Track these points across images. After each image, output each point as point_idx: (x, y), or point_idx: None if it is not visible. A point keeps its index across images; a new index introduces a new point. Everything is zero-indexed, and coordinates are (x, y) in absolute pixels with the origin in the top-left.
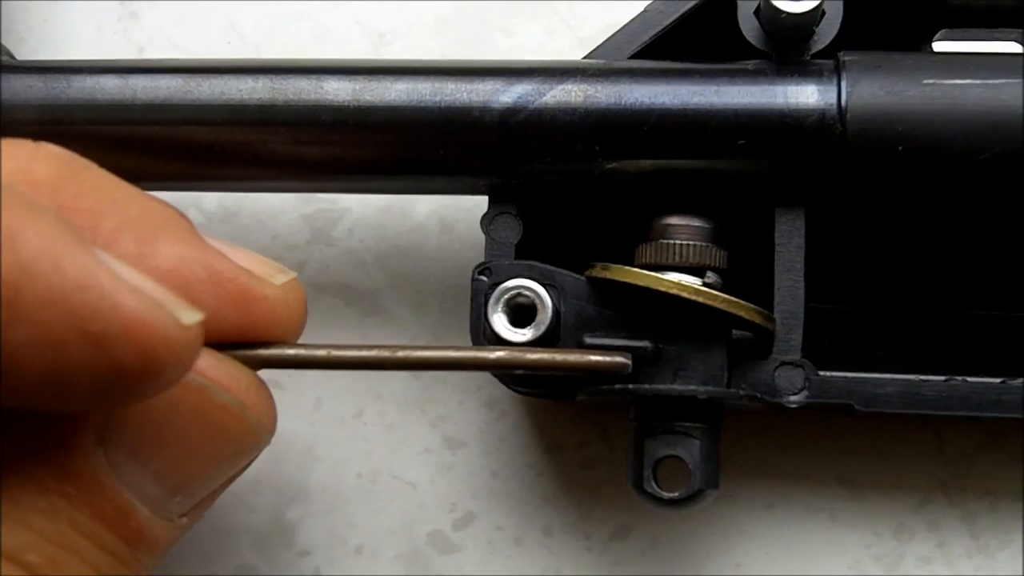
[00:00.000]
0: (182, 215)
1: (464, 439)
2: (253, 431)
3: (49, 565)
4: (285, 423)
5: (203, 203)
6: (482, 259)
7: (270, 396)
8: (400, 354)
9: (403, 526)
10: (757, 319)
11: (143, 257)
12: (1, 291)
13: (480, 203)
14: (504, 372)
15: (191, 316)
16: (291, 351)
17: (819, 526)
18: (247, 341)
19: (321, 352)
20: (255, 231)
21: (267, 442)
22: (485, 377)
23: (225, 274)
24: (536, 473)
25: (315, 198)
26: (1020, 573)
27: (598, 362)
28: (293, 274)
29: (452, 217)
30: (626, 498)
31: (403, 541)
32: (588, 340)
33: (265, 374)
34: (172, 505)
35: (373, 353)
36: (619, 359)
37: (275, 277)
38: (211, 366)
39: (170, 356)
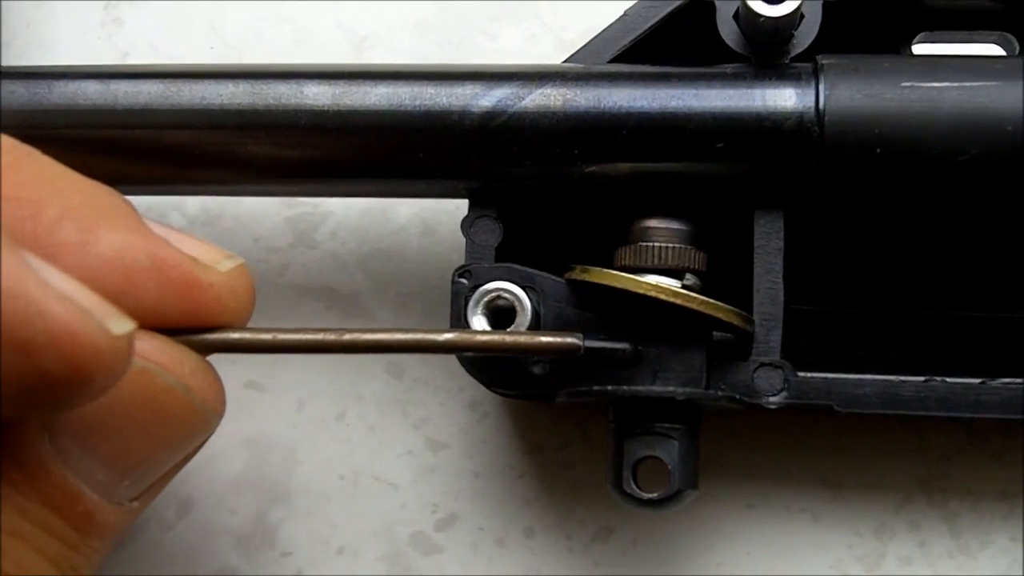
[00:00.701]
0: (127, 202)
1: (446, 441)
2: (200, 413)
3: None
4: (267, 425)
5: (185, 207)
6: (463, 262)
7: (217, 379)
8: (347, 337)
9: (385, 527)
10: (735, 321)
11: (85, 245)
12: None
13: (461, 206)
14: (454, 354)
15: (121, 326)
16: (236, 335)
17: (800, 526)
18: (193, 328)
19: (267, 336)
20: (237, 234)
21: (215, 424)
22: (467, 379)
23: (168, 261)
24: (518, 474)
25: (297, 201)
26: (1001, 573)
27: (548, 343)
28: (240, 260)
29: (434, 220)
30: (607, 499)
31: (385, 542)
32: None
33: (248, 377)
34: (121, 489)
35: (319, 336)
36: (570, 340)
37: (221, 264)
38: (155, 349)
39: (98, 365)
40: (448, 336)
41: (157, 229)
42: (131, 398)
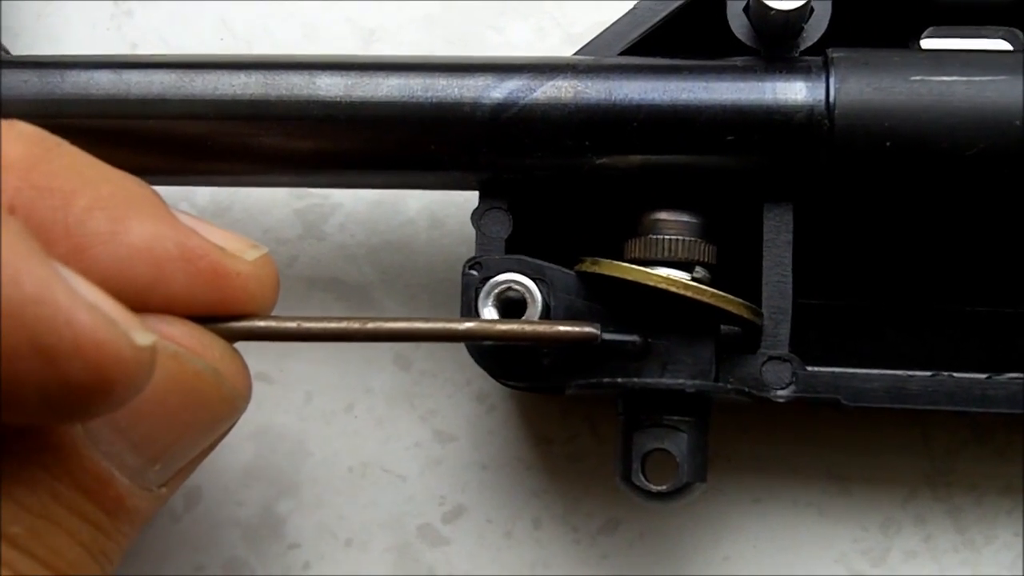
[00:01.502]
0: (155, 192)
1: (454, 433)
2: (229, 398)
3: (31, 536)
4: (275, 417)
5: (195, 197)
6: (472, 254)
7: (244, 365)
8: (370, 325)
9: (393, 519)
10: (745, 313)
11: (115, 235)
12: None
13: (470, 198)
14: (473, 343)
15: (145, 337)
16: (262, 323)
17: (806, 520)
18: (220, 315)
19: (291, 324)
20: (247, 225)
21: (242, 410)
22: (475, 371)
23: (197, 251)
24: (525, 466)
25: (307, 193)
26: (1005, 568)
27: (567, 332)
28: (264, 249)
29: (443, 212)
30: (615, 491)
31: (393, 534)
32: None
33: (257, 368)
34: (151, 474)
35: (343, 325)
36: (588, 329)
37: (247, 253)
38: (185, 334)
39: (121, 375)
40: (469, 325)
41: (185, 219)
42: (162, 383)
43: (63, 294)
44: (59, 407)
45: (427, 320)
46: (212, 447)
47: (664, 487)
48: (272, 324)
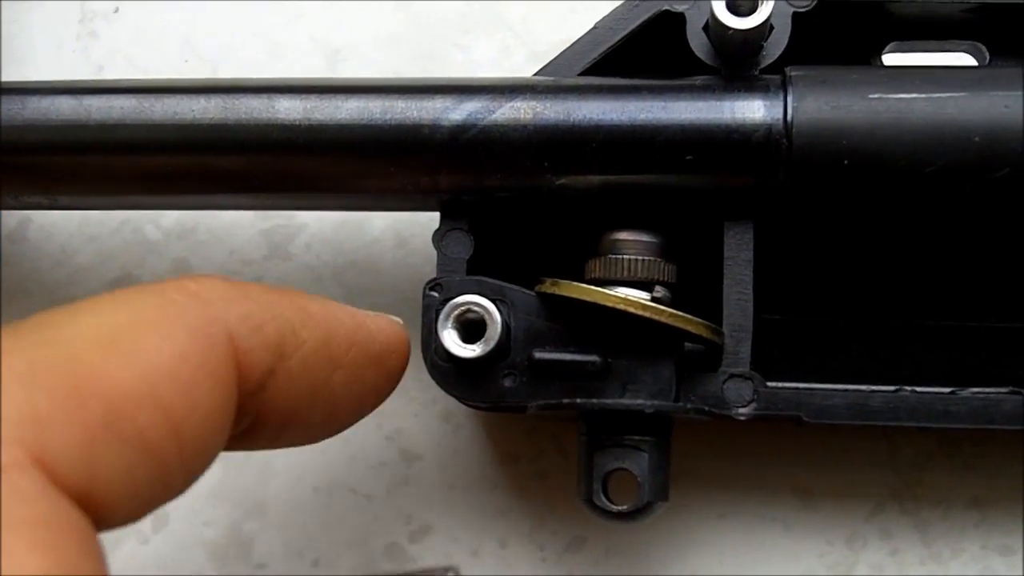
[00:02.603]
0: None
1: (420, 452)
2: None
3: None
4: None
5: (160, 220)
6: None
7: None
8: None
9: (360, 539)
10: (704, 333)
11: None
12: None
13: (435, 218)
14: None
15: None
16: None
17: (772, 535)
18: None
19: None
20: (212, 247)
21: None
22: (440, 391)
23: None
24: (491, 485)
25: (272, 214)
26: None
27: None
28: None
29: (408, 232)
30: (580, 509)
31: (360, 554)
32: (537, 355)
33: None
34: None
35: None
36: None
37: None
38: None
39: (407, 351)
40: None
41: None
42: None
43: (362, 318)
44: (385, 394)
45: None
46: None
47: (625, 507)
48: None
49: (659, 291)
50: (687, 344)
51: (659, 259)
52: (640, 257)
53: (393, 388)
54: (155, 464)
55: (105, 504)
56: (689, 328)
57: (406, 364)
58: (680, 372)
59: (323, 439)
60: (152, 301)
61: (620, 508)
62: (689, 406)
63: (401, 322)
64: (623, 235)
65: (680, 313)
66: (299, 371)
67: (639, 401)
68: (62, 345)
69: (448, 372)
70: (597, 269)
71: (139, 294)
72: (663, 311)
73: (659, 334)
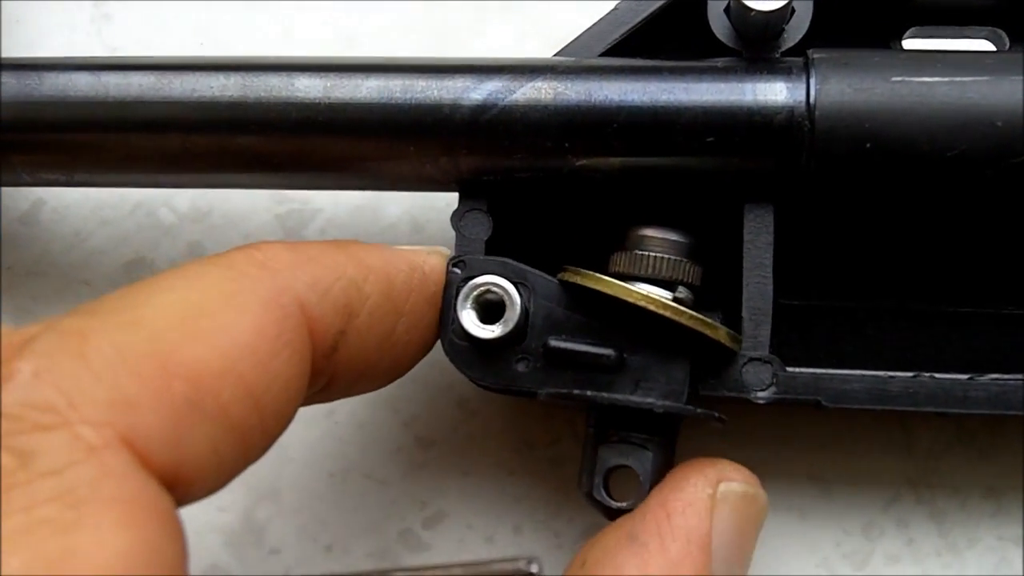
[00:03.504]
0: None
1: (435, 438)
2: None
3: None
4: None
5: (174, 203)
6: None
7: None
8: None
9: (374, 525)
10: (723, 339)
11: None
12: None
13: (451, 203)
14: None
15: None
16: None
17: (788, 524)
18: None
19: None
20: (227, 231)
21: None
22: (457, 376)
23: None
24: (507, 472)
25: (287, 198)
26: (988, 571)
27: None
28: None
29: (423, 217)
30: None
31: (374, 540)
32: (553, 342)
33: None
34: None
35: None
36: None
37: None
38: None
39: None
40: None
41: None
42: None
43: (416, 257)
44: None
45: None
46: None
47: (624, 504)
48: None
49: (682, 291)
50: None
51: (685, 259)
52: (666, 256)
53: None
54: (238, 438)
55: (190, 480)
56: (708, 332)
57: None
58: (694, 374)
59: (392, 382)
60: (225, 275)
61: (619, 505)
62: (699, 410)
63: (448, 252)
64: (651, 232)
65: (700, 316)
66: (367, 327)
67: (649, 400)
68: (145, 327)
69: (464, 351)
70: (622, 263)
71: (212, 268)
72: (684, 312)
73: (677, 335)
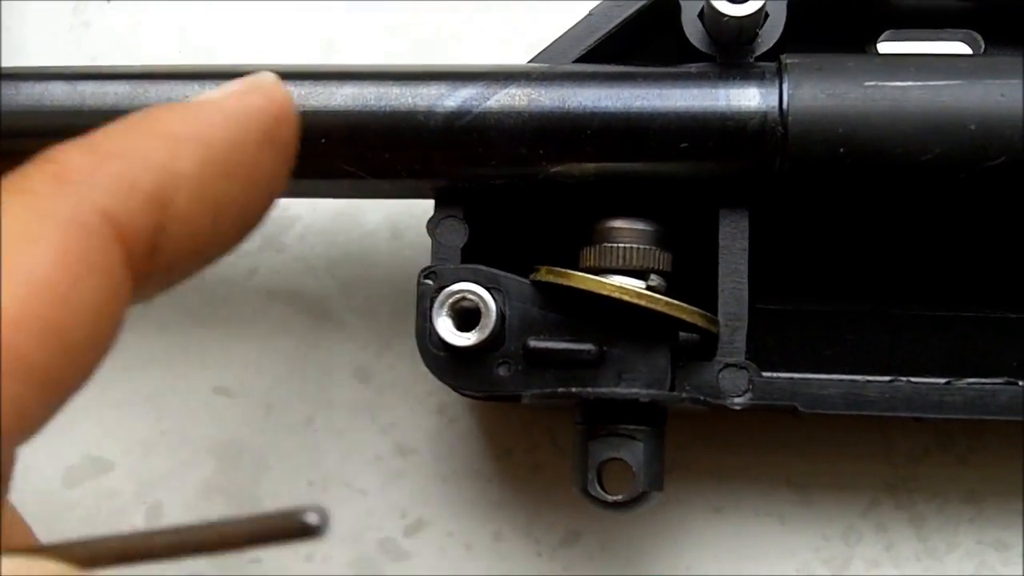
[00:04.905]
0: None
1: (414, 446)
2: None
3: None
4: (236, 431)
5: None
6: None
7: None
8: None
9: (354, 533)
10: (700, 322)
11: None
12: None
13: (430, 209)
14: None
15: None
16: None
17: (768, 529)
18: None
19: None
20: None
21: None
22: (436, 383)
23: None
24: (486, 479)
25: None
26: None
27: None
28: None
29: (403, 223)
30: (576, 503)
31: (354, 548)
32: (532, 343)
33: (217, 383)
34: None
35: None
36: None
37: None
38: None
39: (293, 109)
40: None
41: None
42: None
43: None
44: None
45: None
46: None
47: (620, 497)
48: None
49: (654, 279)
50: (682, 333)
51: (654, 247)
52: (635, 245)
53: (293, 157)
54: (52, 390)
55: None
56: (684, 316)
57: (296, 125)
58: (675, 361)
59: (245, 238)
60: (20, 203)
61: (615, 498)
62: (684, 395)
63: (271, 77)
64: (618, 223)
65: (675, 301)
66: (188, 210)
67: (634, 390)
68: None
69: (443, 361)
70: (591, 257)
71: (6, 197)
72: (658, 299)
73: (654, 323)
